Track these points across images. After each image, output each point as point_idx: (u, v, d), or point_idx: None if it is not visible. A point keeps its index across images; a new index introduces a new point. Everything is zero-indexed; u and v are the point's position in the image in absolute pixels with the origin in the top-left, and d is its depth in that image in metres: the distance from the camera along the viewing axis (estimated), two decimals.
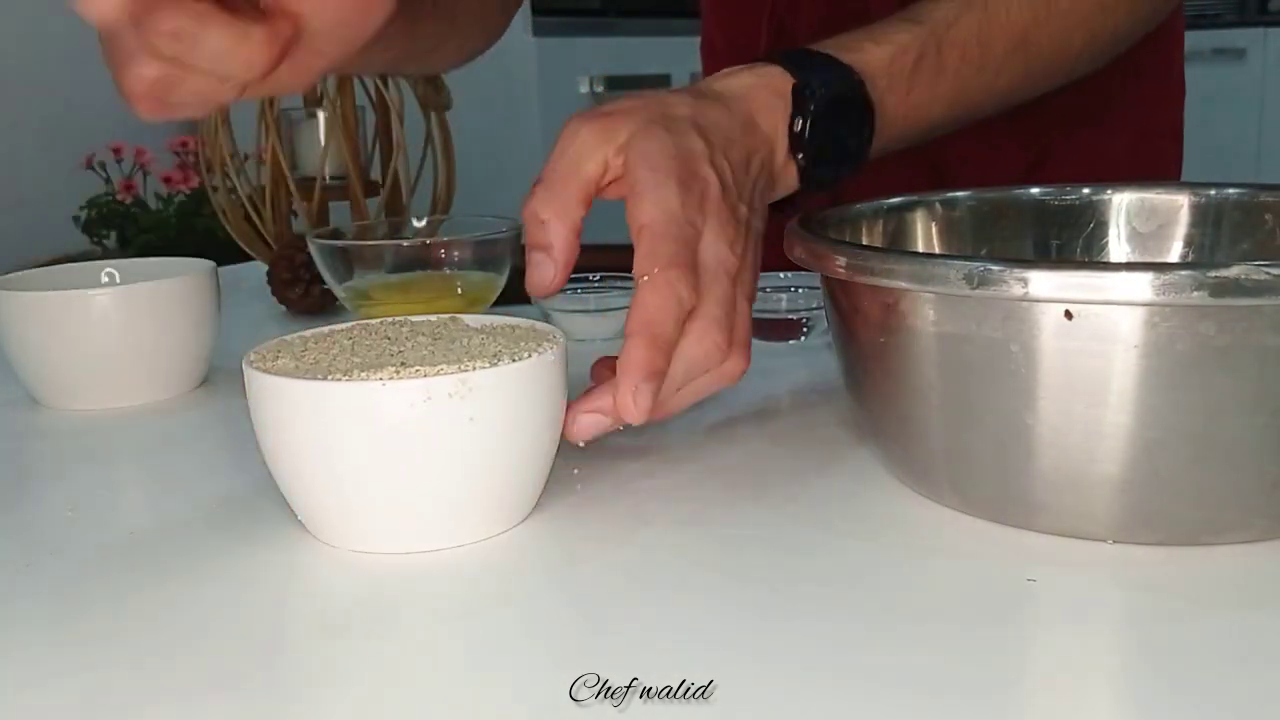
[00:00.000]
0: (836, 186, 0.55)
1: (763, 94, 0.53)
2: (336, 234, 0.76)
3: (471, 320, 0.48)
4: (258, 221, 0.96)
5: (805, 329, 0.69)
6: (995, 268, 0.37)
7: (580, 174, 0.49)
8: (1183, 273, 0.35)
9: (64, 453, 0.57)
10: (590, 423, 0.46)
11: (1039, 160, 0.82)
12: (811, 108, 0.52)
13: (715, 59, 0.96)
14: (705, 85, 0.53)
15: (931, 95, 0.57)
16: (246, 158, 0.99)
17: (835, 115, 0.53)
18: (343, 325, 0.48)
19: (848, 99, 0.54)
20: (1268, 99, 3.24)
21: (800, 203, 0.55)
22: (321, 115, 0.96)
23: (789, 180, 0.53)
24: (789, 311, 0.69)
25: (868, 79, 0.54)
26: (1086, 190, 0.56)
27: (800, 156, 0.53)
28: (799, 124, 0.52)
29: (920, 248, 0.56)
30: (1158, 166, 0.86)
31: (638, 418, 0.44)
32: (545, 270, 0.47)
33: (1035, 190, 0.57)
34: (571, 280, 0.71)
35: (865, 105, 0.54)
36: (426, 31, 0.70)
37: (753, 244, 0.50)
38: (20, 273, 0.68)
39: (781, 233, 0.49)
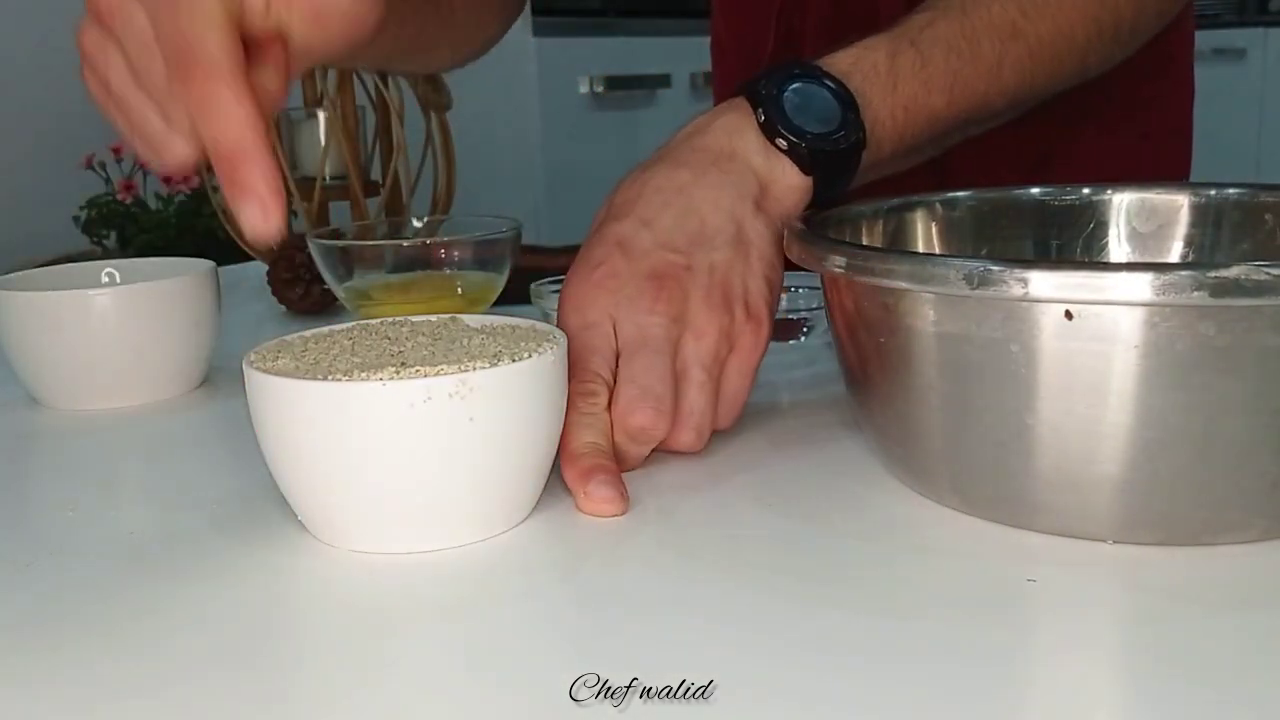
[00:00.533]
0: (849, 166, 0.54)
1: (720, 118, 0.54)
2: (336, 234, 0.76)
3: (471, 320, 0.48)
4: None
5: (805, 329, 0.69)
6: (995, 268, 0.37)
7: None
8: (1183, 273, 0.35)
9: (64, 453, 0.57)
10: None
11: (1044, 159, 0.82)
12: (763, 93, 0.53)
13: (724, 58, 0.97)
14: (669, 145, 0.55)
15: (925, 87, 0.56)
16: None
17: (795, 94, 0.53)
18: (343, 325, 0.48)
19: (803, 76, 0.54)
20: (1268, 99, 3.24)
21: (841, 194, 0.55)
22: (321, 115, 0.96)
23: (785, 176, 0.53)
24: (789, 311, 0.69)
25: (837, 73, 0.54)
26: (1086, 190, 0.56)
27: (778, 141, 0.52)
28: (760, 114, 0.53)
29: (920, 248, 0.56)
30: (1164, 166, 0.86)
31: (609, 511, 0.45)
32: None
33: (1035, 190, 0.57)
34: None
35: (832, 82, 0.54)
36: (414, 33, 0.70)
37: (700, 281, 0.50)
38: (20, 273, 0.68)
39: None
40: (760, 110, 0.53)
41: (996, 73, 0.59)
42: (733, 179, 0.52)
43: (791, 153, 0.52)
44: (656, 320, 0.49)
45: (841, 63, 0.55)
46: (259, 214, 0.40)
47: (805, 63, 0.55)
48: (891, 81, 0.55)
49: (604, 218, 0.53)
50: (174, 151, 0.43)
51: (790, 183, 0.53)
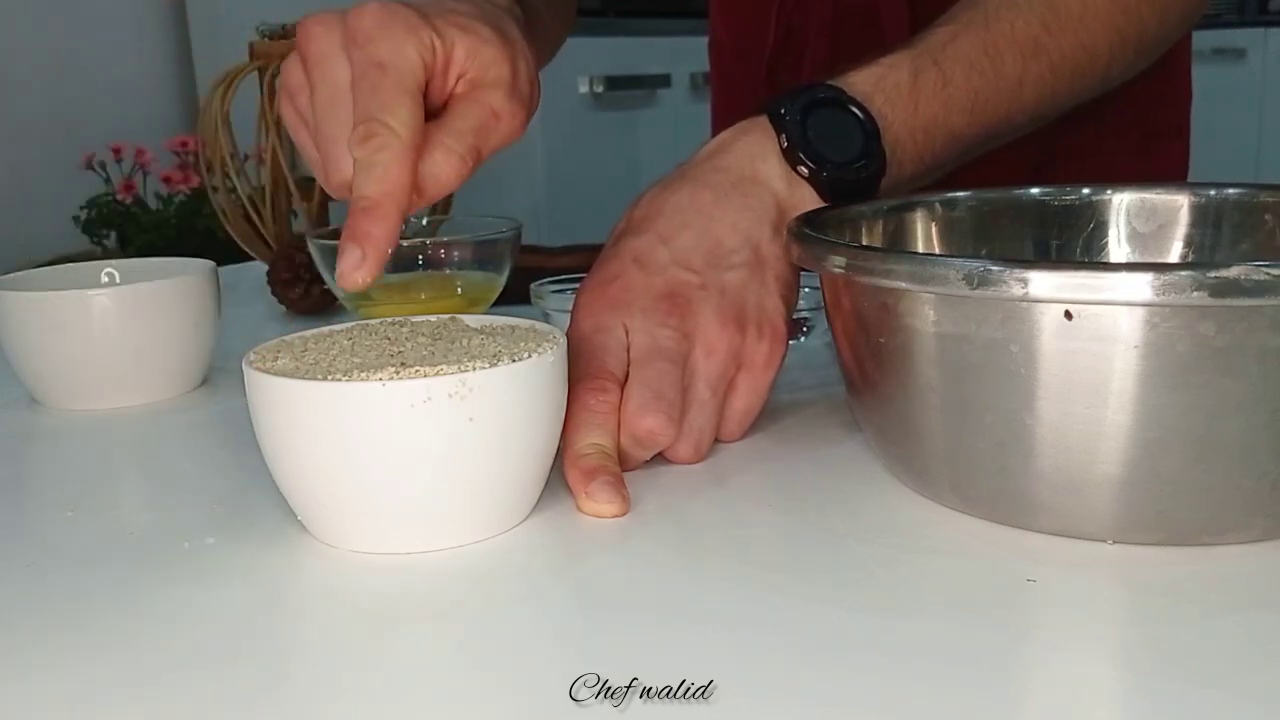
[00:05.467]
0: (869, 192, 0.54)
1: (742, 138, 0.54)
2: (336, 234, 0.75)
3: (471, 320, 0.48)
4: (258, 221, 0.96)
5: (805, 329, 0.69)
6: (995, 268, 0.37)
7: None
8: (1183, 273, 0.35)
9: (64, 453, 0.57)
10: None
11: (1044, 160, 0.82)
12: (786, 118, 0.53)
13: (722, 57, 0.97)
14: (691, 163, 0.55)
15: (946, 107, 0.56)
16: (246, 158, 0.99)
17: (818, 120, 0.53)
18: (343, 325, 0.48)
19: (825, 101, 0.54)
20: (1268, 99, 3.24)
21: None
22: None
23: (805, 201, 0.53)
24: None
25: (859, 95, 0.54)
26: (1086, 190, 0.56)
27: (800, 169, 0.53)
28: (783, 140, 0.53)
29: (920, 248, 0.56)
30: (1164, 166, 0.86)
31: (610, 512, 0.45)
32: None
33: (1035, 190, 0.57)
34: (571, 280, 0.71)
35: (854, 106, 0.54)
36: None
37: (712, 299, 0.50)
38: (20, 273, 0.68)
39: None
40: (783, 135, 0.53)
41: (1018, 91, 0.59)
42: (753, 202, 0.52)
43: (812, 179, 0.53)
44: (669, 333, 0.49)
45: (864, 83, 0.55)
46: (357, 258, 0.44)
47: (827, 85, 0.55)
48: (913, 103, 0.55)
49: (622, 231, 0.53)
50: (338, 180, 0.48)
51: (809, 207, 0.53)
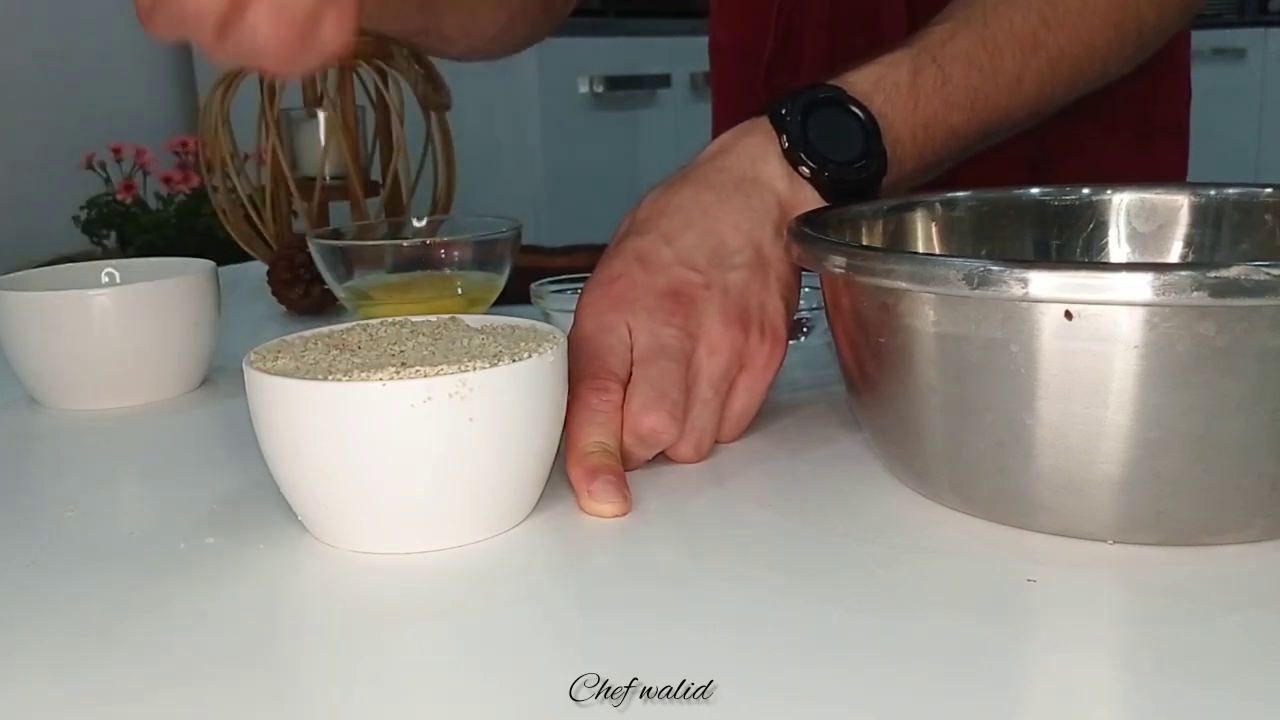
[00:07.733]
0: (870, 192, 0.54)
1: (744, 139, 0.54)
2: (336, 234, 0.76)
3: (471, 320, 0.48)
4: (258, 221, 0.96)
5: (805, 329, 0.69)
6: (995, 268, 0.37)
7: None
8: (1183, 273, 0.35)
9: (64, 453, 0.57)
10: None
11: (1042, 159, 0.82)
12: (787, 118, 0.53)
13: (722, 57, 0.97)
14: (694, 164, 0.55)
15: (945, 104, 0.56)
16: (246, 158, 0.99)
17: (819, 120, 0.53)
18: (343, 325, 0.48)
19: (825, 101, 0.54)
20: (1268, 99, 3.24)
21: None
22: (321, 115, 0.96)
23: (807, 201, 0.53)
24: None
25: (859, 94, 0.54)
26: (1086, 190, 0.56)
27: (801, 169, 0.53)
28: (784, 140, 0.53)
29: (920, 248, 0.56)
30: (1162, 165, 0.86)
31: (611, 512, 0.45)
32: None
33: (1035, 190, 0.57)
34: (571, 280, 0.71)
35: (855, 106, 0.54)
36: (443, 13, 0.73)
37: (716, 299, 0.50)
38: (20, 273, 0.68)
39: None
40: (784, 136, 0.53)
41: (1017, 86, 0.59)
42: (755, 203, 0.52)
43: (814, 179, 0.53)
44: (672, 332, 0.49)
45: (864, 82, 0.55)
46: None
47: (828, 85, 0.55)
48: (913, 101, 0.55)
49: (625, 232, 0.54)
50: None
51: (811, 208, 0.53)
